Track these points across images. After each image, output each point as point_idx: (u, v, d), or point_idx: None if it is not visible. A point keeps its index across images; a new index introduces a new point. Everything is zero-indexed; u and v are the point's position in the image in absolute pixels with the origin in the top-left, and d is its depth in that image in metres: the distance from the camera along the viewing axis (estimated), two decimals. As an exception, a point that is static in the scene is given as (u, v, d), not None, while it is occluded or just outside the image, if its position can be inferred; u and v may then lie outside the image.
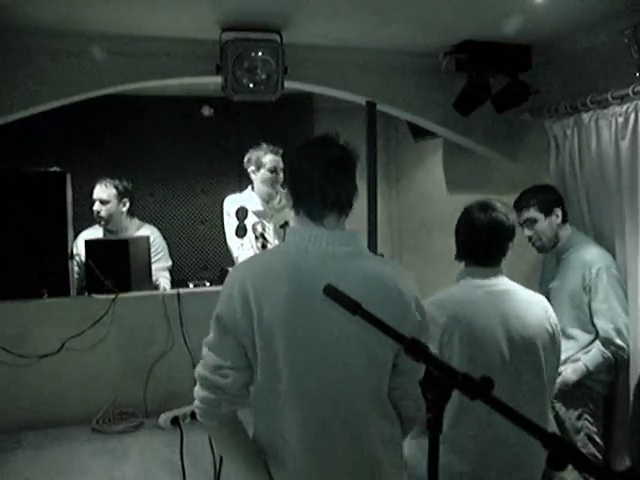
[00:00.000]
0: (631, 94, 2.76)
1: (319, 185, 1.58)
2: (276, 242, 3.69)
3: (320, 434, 1.56)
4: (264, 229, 3.69)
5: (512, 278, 2.21)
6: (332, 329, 1.53)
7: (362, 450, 1.59)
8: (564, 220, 3.01)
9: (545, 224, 2.97)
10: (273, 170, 3.67)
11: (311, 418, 1.56)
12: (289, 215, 3.84)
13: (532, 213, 2.96)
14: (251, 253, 3.74)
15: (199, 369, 1.59)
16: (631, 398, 2.88)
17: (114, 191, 3.58)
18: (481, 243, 2.12)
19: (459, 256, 2.20)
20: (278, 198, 3.79)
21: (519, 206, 2.99)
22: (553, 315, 2.21)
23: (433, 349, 1.98)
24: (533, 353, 2.10)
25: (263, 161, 3.69)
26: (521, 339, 2.08)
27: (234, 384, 1.55)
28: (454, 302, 2.08)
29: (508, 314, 2.09)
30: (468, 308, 2.07)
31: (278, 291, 1.52)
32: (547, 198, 2.98)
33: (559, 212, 2.98)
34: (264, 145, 3.72)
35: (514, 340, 2.07)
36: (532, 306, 2.16)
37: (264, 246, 3.55)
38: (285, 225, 3.70)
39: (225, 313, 1.57)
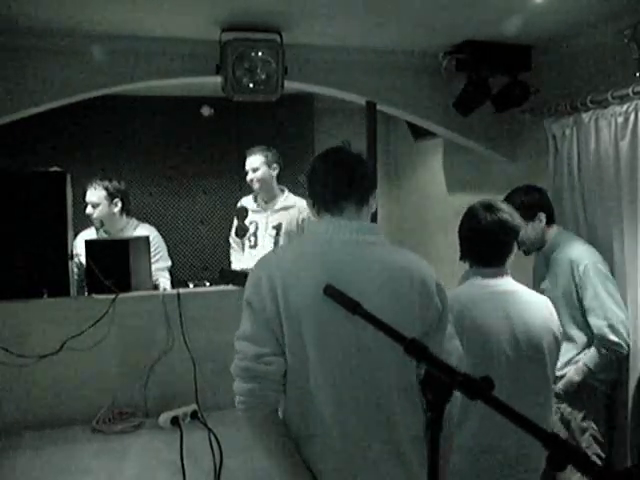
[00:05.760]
0: (631, 94, 2.76)
1: (331, 179, 1.68)
2: (268, 243, 3.74)
3: (351, 418, 1.58)
4: (257, 228, 3.78)
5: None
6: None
7: (389, 438, 1.61)
8: (551, 221, 2.98)
9: (528, 230, 2.88)
10: (247, 171, 3.81)
11: (341, 403, 1.57)
12: (283, 217, 3.96)
13: None
14: (239, 254, 3.85)
15: (238, 363, 1.58)
16: (630, 399, 2.90)
17: (104, 193, 3.57)
18: (488, 243, 2.12)
19: (464, 257, 2.20)
20: (279, 200, 3.83)
21: None
22: (556, 317, 2.21)
23: None
24: (538, 355, 2.11)
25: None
26: (526, 340, 2.08)
27: (278, 370, 1.57)
28: (461, 302, 2.08)
29: (514, 315, 2.09)
30: (475, 307, 2.08)
31: (306, 277, 1.55)
32: (529, 203, 2.90)
33: (542, 216, 2.94)
34: (252, 147, 3.85)
35: (519, 341, 2.07)
36: (538, 308, 2.17)
37: (255, 246, 3.62)
38: (278, 227, 3.76)
39: (254, 298, 1.59)
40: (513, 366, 2.06)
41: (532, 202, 2.93)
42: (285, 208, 3.84)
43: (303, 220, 3.83)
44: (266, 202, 3.86)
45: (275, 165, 3.80)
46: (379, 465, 1.61)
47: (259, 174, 3.78)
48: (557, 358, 2.23)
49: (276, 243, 3.78)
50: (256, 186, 3.81)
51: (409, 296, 1.60)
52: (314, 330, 1.55)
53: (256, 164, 3.78)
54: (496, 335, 2.05)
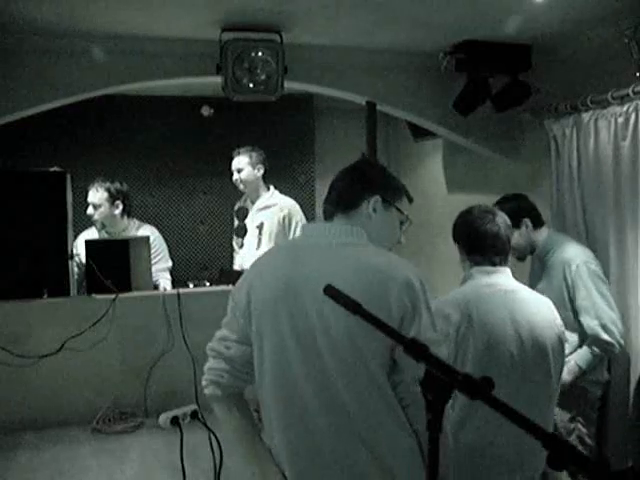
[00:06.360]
0: (631, 94, 2.76)
1: (332, 187, 1.72)
2: (252, 243, 3.75)
3: (300, 425, 1.55)
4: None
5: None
6: (319, 317, 1.52)
7: (364, 450, 1.52)
8: (539, 224, 2.97)
9: (515, 238, 2.85)
10: (233, 172, 3.83)
11: (292, 412, 1.56)
12: (264, 217, 4.00)
13: None
14: (236, 252, 3.91)
15: (208, 344, 1.71)
16: (631, 399, 2.90)
17: (105, 194, 3.58)
18: (492, 244, 2.17)
19: (468, 258, 2.23)
20: (262, 199, 3.84)
21: None
22: (559, 317, 2.23)
23: (448, 346, 2.00)
24: (542, 354, 2.12)
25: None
26: (531, 339, 2.10)
27: (236, 356, 1.65)
28: (466, 300, 2.11)
29: (519, 314, 2.11)
30: (480, 306, 2.09)
31: (269, 277, 1.62)
32: (511, 211, 2.90)
33: (528, 221, 2.93)
34: (238, 148, 3.87)
35: (523, 340, 2.09)
36: (541, 307, 2.19)
37: (242, 245, 3.64)
38: (260, 226, 3.78)
39: (234, 292, 1.71)
40: (517, 365, 2.07)
41: (515, 210, 2.89)
42: (266, 207, 3.84)
43: (284, 218, 3.82)
44: (253, 202, 3.88)
45: (260, 166, 3.80)
46: None
47: (243, 175, 3.79)
48: (563, 359, 2.25)
49: (259, 243, 3.78)
50: (241, 187, 3.84)
51: (366, 292, 1.47)
52: (270, 331, 1.58)
53: (240, 165, 3.80)
54: (502, 333, 2.07)
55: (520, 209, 2.95)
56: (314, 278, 1.50)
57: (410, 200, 1.76)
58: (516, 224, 2.90)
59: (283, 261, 1.64)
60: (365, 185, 1.68)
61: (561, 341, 2.20)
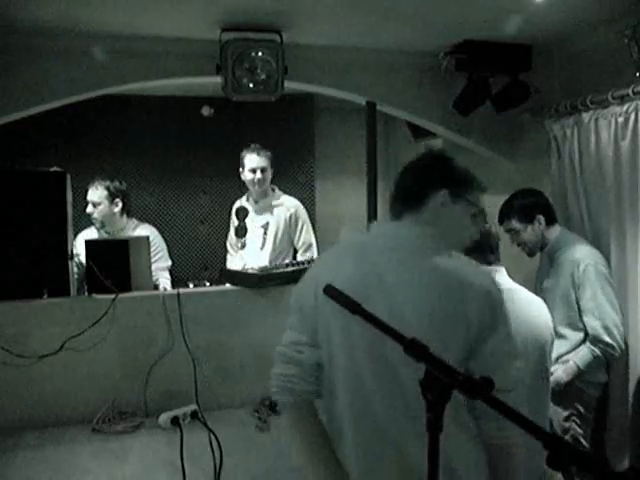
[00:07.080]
0: (631, 94, 2.76)
1: (396, 184, 1.67)
2: (256, 243, 3.73)
3: (369, 426, 1.51)
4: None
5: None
6: (388, 318, 1.46)
7: (415, 465, 1.44)
8: (551, 221, 2.99)
9: (528, 233, 2.94)
10: (253, 170, 3.74)
11: (362, 408, 1.53)
12: (270, 216, 3.96)
13: (513, 224, 2.94)
14: (235, 258, 3.88)
15: (277, 348, 1.63)
16: (630, 400, 2.89)
17: (105, 192, 3.58)
18: (485, 243, 2.19)
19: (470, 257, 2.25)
20: (268, 199, 3.82)
21: (502, 216, 2.98)
22: (550, 316, 2.25)
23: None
24: (540, 353, 2.14)
25: (245, 161, 3.77)
26: (531, 339, 2.11)
27: (308, 360, 1.58)
28: None
29: (518, 313, 2.11)
30: None
31: (341, 278, 1.49)
32: (526, 206, 2.94)
33: (541, 218, 2.94)
34: (252, 145, 3.80)
35: (524, 339, 2.09)
36: (539, 308, 2.21)
37: (243, 246, 3.62)
38: (265, 226, 3.76)
39: (298, 292, 1.66)
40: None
41: (530, 205, 2.95)
42: (272, 207, 3.82)
43: (291, 217, 3.81)
44: (256, 202, 3.84)
45: (272, 166, 3.80)
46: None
47: (268, 175, 3.74)
48: (551, 357, 2.28)
49: (264, 242, 3.77)
50: (262, 187, 3.74)
51: (444, 301, 1.47)
52: (340, 330, 1.54)
53: (264, 164, 3.71)
54: None
55: (536, 205, 2.97)
56: (387, 282, 1.46)
57: (483, 190, 1.70)
58: (530, 219, 2.93)
59: (352, 261, 1.58)
60: (430, 180, 1.62)
61: (553, 340, 2.24)
